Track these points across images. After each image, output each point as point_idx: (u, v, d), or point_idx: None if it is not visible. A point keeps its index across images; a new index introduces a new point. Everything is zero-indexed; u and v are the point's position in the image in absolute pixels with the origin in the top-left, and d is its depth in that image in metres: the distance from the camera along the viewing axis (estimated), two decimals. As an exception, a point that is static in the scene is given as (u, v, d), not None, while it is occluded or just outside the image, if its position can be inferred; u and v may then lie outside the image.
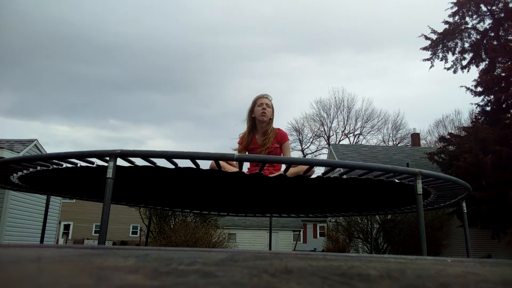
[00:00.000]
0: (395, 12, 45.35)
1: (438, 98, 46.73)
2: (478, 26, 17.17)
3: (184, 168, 2.39)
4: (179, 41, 48.55)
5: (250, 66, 48.95)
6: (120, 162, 2.24)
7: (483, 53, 16.90)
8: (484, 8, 16.80)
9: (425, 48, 17.77)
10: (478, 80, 15.71)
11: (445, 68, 17.74)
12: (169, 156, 2.19)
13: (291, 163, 2.50)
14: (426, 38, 17.61)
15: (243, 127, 3.26)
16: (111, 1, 47.76)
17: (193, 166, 2.34)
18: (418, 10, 43.96)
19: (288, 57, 47.86)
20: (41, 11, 44.06)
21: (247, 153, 3.17)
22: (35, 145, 11.65)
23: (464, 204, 3.28)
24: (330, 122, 36.32)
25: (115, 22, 47.70)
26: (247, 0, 47.99)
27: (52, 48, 45.74)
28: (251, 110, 3.14)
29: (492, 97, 15.04)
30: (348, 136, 36.19)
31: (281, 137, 3.15)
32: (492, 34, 16.78)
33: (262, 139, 3.12)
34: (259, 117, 3.10)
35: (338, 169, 3.22)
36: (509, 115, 14.41)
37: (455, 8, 17.12)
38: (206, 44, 47.13)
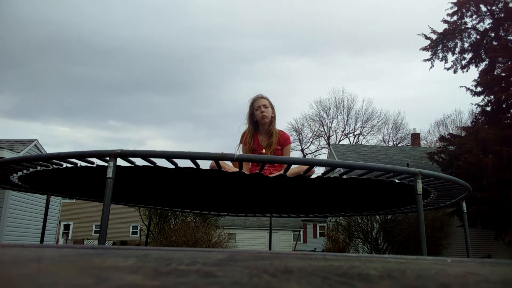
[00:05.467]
0: (394, 13, 45.36)
1: (438, 98, 46.73)
2: (478, 26, 17.18)
3: (184, 168, 2.39)
4: (178, 44, 48.65)
5: (249, 67, 49.04)
6: (120, 162, 2.24)
7: (483, 53, 16.90)
8: (484, 8, 16.80)
9: (425, 48, 17.77)
10: (478, 80, 15.70)
11: (445, 68, 17.76)
12: (169, 156, 2.19)
13: (291, 163, 2.50)
14: (426, 38, 17.62)
15: (244, 128, 3.26)
16: (110, 4, 47.80)
17: (193, 166, 2.34)
18: (417, 11, 43.96)
19: (287, 59, 47.93)
20: (42, 15, 44.16)
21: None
22: (35, 145, 11.65)
23: (464, 204, 3.28)
24: (330, 122, 36.34)
25: (115, 25, 47.78)
26: (246, 3, 48.04)
27: (52, 50, 45.89)
28: (251, 114, 3.14)
29: (492, 97, 15.02)
30: (348, 136, 36.20)
31: (283, 140, 3.17)
32: (492, 34, 16.78)
33: (266, 140, 3.13)
34: (261, 120, 3.11)
35: (338, 169, 3.22)
36: (510, 115, 14.41)
37: (455, 8, 17.13)
38: (205, 46, 47.22)
